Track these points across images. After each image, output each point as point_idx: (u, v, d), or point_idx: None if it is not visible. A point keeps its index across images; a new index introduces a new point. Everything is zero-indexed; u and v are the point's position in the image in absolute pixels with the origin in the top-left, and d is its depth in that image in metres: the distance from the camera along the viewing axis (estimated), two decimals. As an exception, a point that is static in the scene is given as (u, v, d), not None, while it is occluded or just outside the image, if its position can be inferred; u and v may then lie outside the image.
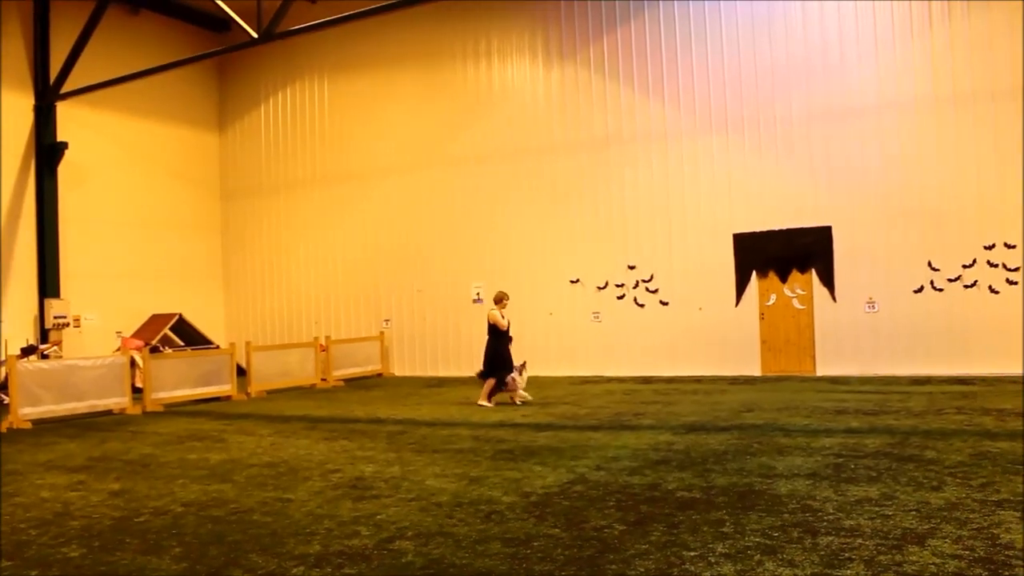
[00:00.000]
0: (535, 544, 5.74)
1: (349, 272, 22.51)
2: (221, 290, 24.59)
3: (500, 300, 14.45)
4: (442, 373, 20.81)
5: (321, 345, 19.54)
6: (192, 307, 22.34)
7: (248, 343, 18.32)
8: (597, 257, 19.06)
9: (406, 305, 21.64)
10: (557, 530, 6.07)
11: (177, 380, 16.29)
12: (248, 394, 17.41)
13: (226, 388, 17.12)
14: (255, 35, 14.85)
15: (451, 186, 20.97)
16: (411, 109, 21.64)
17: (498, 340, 14.15)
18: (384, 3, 13.87)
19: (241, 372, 17.99)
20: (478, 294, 20.43)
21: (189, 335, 21.52)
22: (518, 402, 14.10)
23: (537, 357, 19.30)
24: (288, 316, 23.42)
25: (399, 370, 21.69)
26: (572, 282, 19.33)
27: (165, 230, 22.75)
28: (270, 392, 17.84)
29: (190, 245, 23.59)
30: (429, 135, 21.36)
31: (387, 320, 21.89)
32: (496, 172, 20.35)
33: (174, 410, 15.40)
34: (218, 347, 20.99)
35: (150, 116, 22.56)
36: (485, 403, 14.01)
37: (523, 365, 14.35)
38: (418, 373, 21.32)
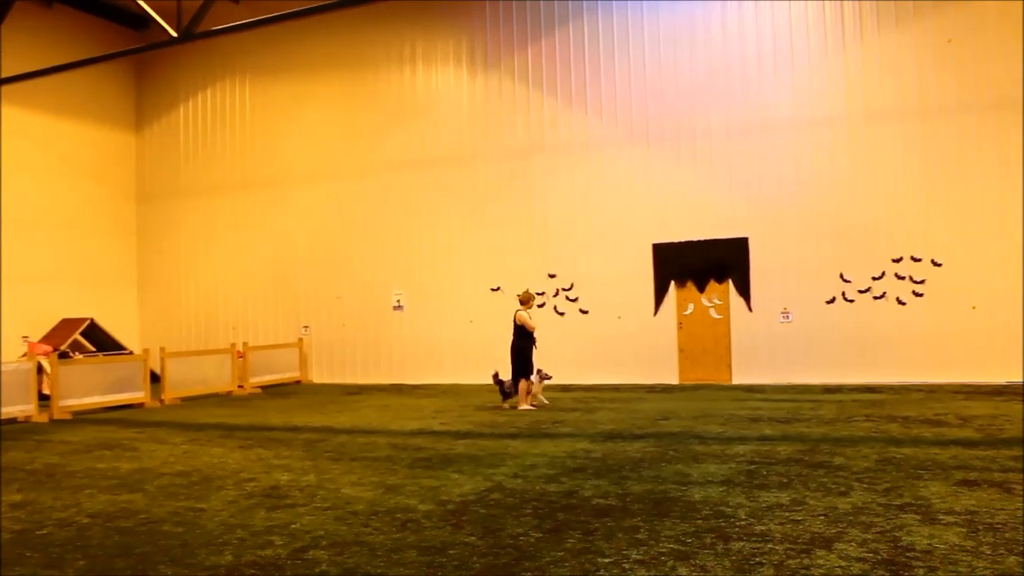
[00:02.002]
0: (451, 552, 5.72)
1: (268, 278, 22.18)
2: (135, 295, 23.98)
3: (527, 300, 14.28)
4: (361, 380, 20.64)
5: (238, 351, 19.20)
6: (105, 312, 21.76)
7: (163, 349, 17.88)
8: (518, 265, 19.14)
9: (325, 312, 21.41)
10: (473, 538, 6.06)
11: (87, 387, 15.84)
12: (162, 401, 17.01)
13: (139, 395, 16.70)
14: (174, 34, 14.51)
15: (373, 192, 20.83)
16: (334, 114, 21.46)
17: (524, 341, 13.97)
18: (308, 6, 13.70)
19: (155, 379, 17.59)
20: (398, 301, 20.34)
21: (101, 340, 20.96)
22: (529, 405, 13.89)
23: (457, 365, 19.40)
24: (205, 322, 22.96)
25: (318, 377, 21.44)
26: (493, 290, 19.37)
27: (77, 231, 22.10)
28: (185, 399, 17.46)
29: (103, 248, 22.96)
30: (352, 141, 21.20)
31: (306, 327, 21.62)
32: (419, 179, 20.29)
33: (83, 418, 14.96)
34: (131, 353, 20.47)
35: (63, 114, 21.92)
36: (527, 406, 13.84)
37: (539, 372, 14.24)
38: (337, 380, 21.10)
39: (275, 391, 19.27)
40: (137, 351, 20.76)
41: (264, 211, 22.28)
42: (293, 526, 6.59)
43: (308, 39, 21.47)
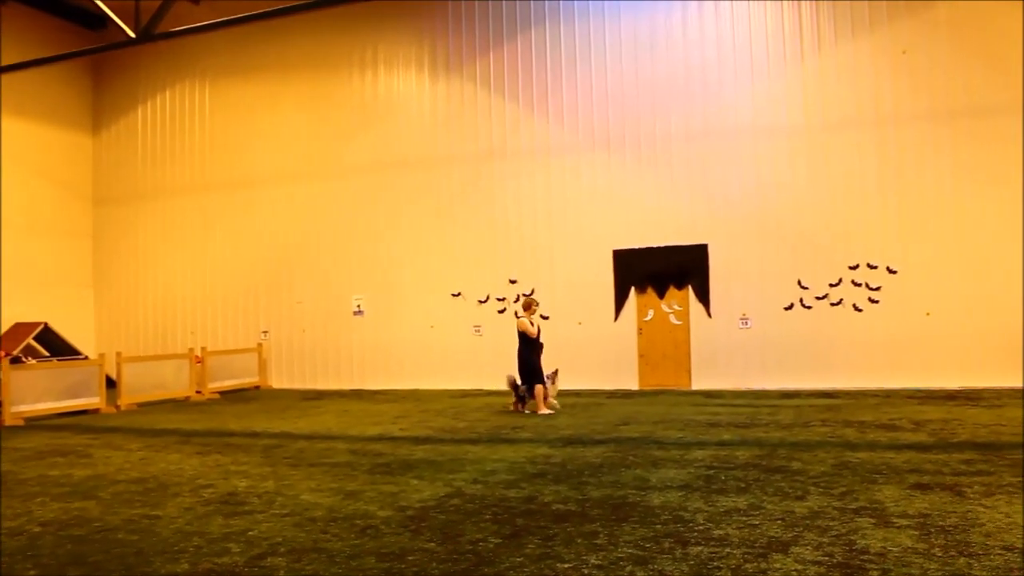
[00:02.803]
0: (410, 559, 5.70)
1: (227, 282, 21.95)
2: (91, 299, 23.62)
3: (529, 307, 14.20)
4: (321, 386, 20.50)
5: (196, 356, 18.98)
6: (59, 316, 21.39)
7: (119, 353, 17.64)
8: (479, 271, 19.14)
9: (285, 316, 21.24)
10: (432, 544, 6.05)
11: (40, 392, 15.56)
12: (118, 407, 16.77)
13: (94, 401, 16.46)
14: (133, 35, 14.34)
15: (333, 197, 20.72)
16: (295, 118, 21.32)
17: (529, 349, 13.87)
18: (269, 8, 13.61)
19: (111, 384, 17.33)
20: (359, 306, 20.24)
21: (55, 345, 20.60)
22: (547, 410, 13.84)
23: (417, 370, 19.36)
24: (163, 326, 22.67)
25: (277, 382, 21.26)
26: (454, 295, 19.34)
27: (30, 234, 21.71)
28: (142, 405, 17.23)
29: (58, 251, 22.58)
30: (313, 144, 21.07)
31: (265, 331, 21.43)
32: (379, 184, 20.22)
33: (36, 424, 14.70)
34: (86, 357, 20.15)
35: (15, 115, 21.51)
36: (547, 410, 13.77)
37: (555, 373, 14.21)
38: (297, 386, 20.94)
39: (234, 396, 19.08)
40: (93, 356, 20.45)
41: (224, 215, 22.07)
42: (251, 533, 6.53)
43: (270, 41, 21.33)
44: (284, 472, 9.22)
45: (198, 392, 18.69)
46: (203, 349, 19.43)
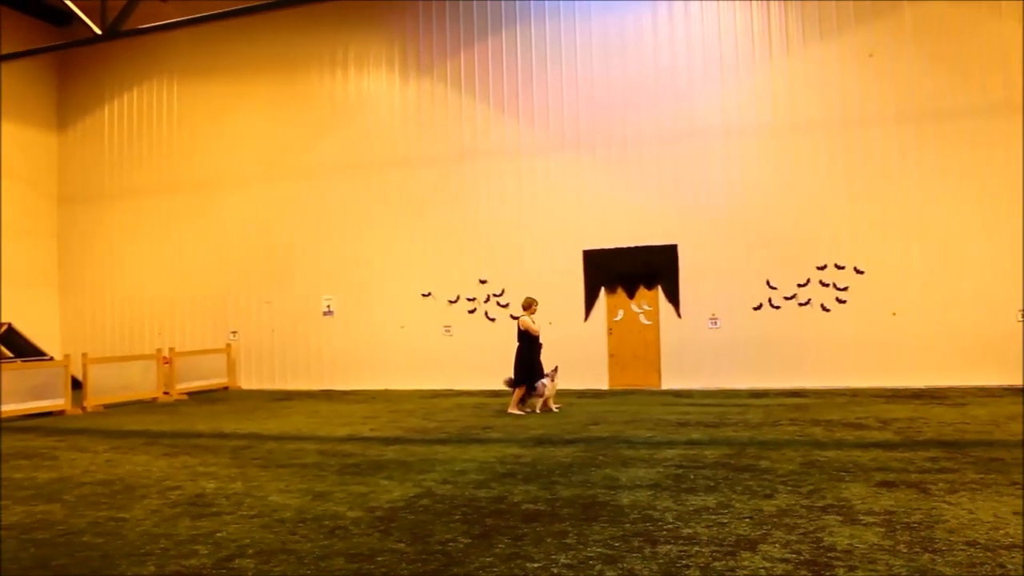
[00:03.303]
0: (379, 559, 5.69)
1: (196, 282, 21.74)
2: (56, 299, 23.31)
3: (530, 306, 14.23)
4: (291, 386, 20.37)
5: (164, 357, 18.80)
6: (24, 316, 21.09)
7: (85, 355, 17.43)
8: (449, 271, 19.11)
9: (255, 317, 21.08)
10: (402, 545, 6.03)
11: (4, 394, 15.34)
12: (84, 408, 16.58)
13: (59, 402, 16.27)
14: (99, 31, 14.17)
15: (303, 197, 20.59)
16: (265, 117, 21.16)
17: (530, 347, 13.92)
18: (237, 7, 13.49)
19: (77, 385, 17.13)
20: (329, 306, 20.14)
21: (19, 346, 20.31)
22: (554, 408, 13.95)
23: (388, 371, 19.30)
24: (130, 327, 22.41)
25: (246, 383, 21.09)
26: (424, 295, 19.29)
27: (-6, 234, 21.42)
28: (108, 406, 17.04)
29: (22, 250, 22.24)
30: (283, 144, 20.92)
31: (234, 332, 21.26)
32: (350, 184, 20.13)
33: (0, 426, 14.48)
34: (51, 359, 19.88)
35: (-21, 113, 21.24)
36: (516, 411, 13.79)
37: (555, 371, 14.19)
38: (266, 386, 20.79)
39: (202, 397, 18.91)
40: (58, 357, 20.19)
41: (192, 214, 21.86)
42: (219, 535, 6.48)
43: (239, 40, 21.17)
44: (253, 473, 9.16)
45: (166, 393, 18.51)
46: (171, 350, 19.25)
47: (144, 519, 7.10)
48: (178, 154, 22.12)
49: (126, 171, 22.71)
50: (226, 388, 20.66)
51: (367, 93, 20.21)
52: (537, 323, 14.11)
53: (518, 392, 13.91)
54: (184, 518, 7.08)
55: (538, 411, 13.88)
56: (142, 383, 18.25)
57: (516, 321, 14.48)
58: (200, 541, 6.31)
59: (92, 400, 16.82)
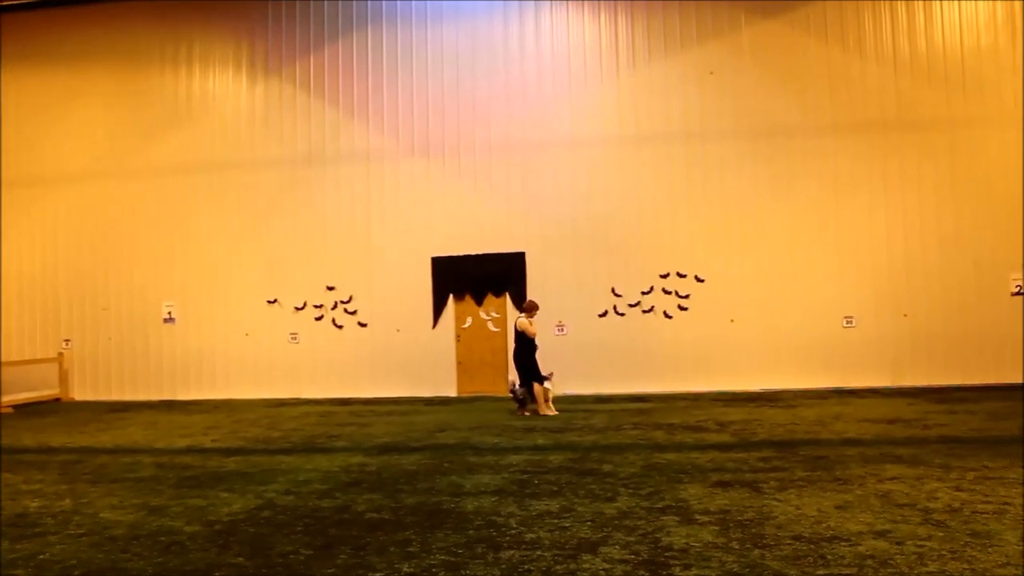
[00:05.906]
0: (217, 575, 5.45)
1: (24, 287, 20.40)
2: None
3: (530, 309, 14.18)
4: (128, 397, 19.41)
5: (-16, 367, 17.60)
6: None
7: None
8: (295, 277, 18.67)
9: (89, 324, 19.97)
10: (241, 559, 5.81)
11: None
12: None
13: None
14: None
15: (143, 197, 19.67)
16: (102, 111, 20.06)
17: (529, 350, 13.83)
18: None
19: None
20: (170, 313, 19.32)
21: None
22: (547, 412, 13.70)
23: (231, 379, 18.69)
24: (-55, 335, 20.85)
25: (80, 394, 19.95)
26: (269, 302, 18.78)
27: None
28: (-82, 421, 15.80)
29: None
30: (121, 141, 19.91)
31: (67, 340, 20.08)
32: (193, 185, 19.38)
33: None
34: None
35: None
36: (549, 411, 13.67)
37: (550, 376, 14.00)
38: (102, 397, 19.73)
39: (30, 410, 17.76)
40: None
41: (20, 214, 20.50)
42: (41, 556, 6.07)
43: (73, 28, 19.97)
44: (83, 489, 8.64)
45: (-15, 406, 17.32)
46: (-8, 359, 18.04)
47: (-48, 541, 6.58)
48: (4, 148, 20.71)
49: (-57, 168, 21.15)
50: (58, 400, 19.47)
51: (212, 92, 19.52)
52: (535, 325, 14.24)
53: (539, 389, 13.87)
54: (2, 540, 6.60)
55: (539, 413, 13.77)
56: (-42, 395, 17.01)
57: (516, 321, 14.46)
58: (20, 564, 5.89)
59: (-100, 414, 15.57)
